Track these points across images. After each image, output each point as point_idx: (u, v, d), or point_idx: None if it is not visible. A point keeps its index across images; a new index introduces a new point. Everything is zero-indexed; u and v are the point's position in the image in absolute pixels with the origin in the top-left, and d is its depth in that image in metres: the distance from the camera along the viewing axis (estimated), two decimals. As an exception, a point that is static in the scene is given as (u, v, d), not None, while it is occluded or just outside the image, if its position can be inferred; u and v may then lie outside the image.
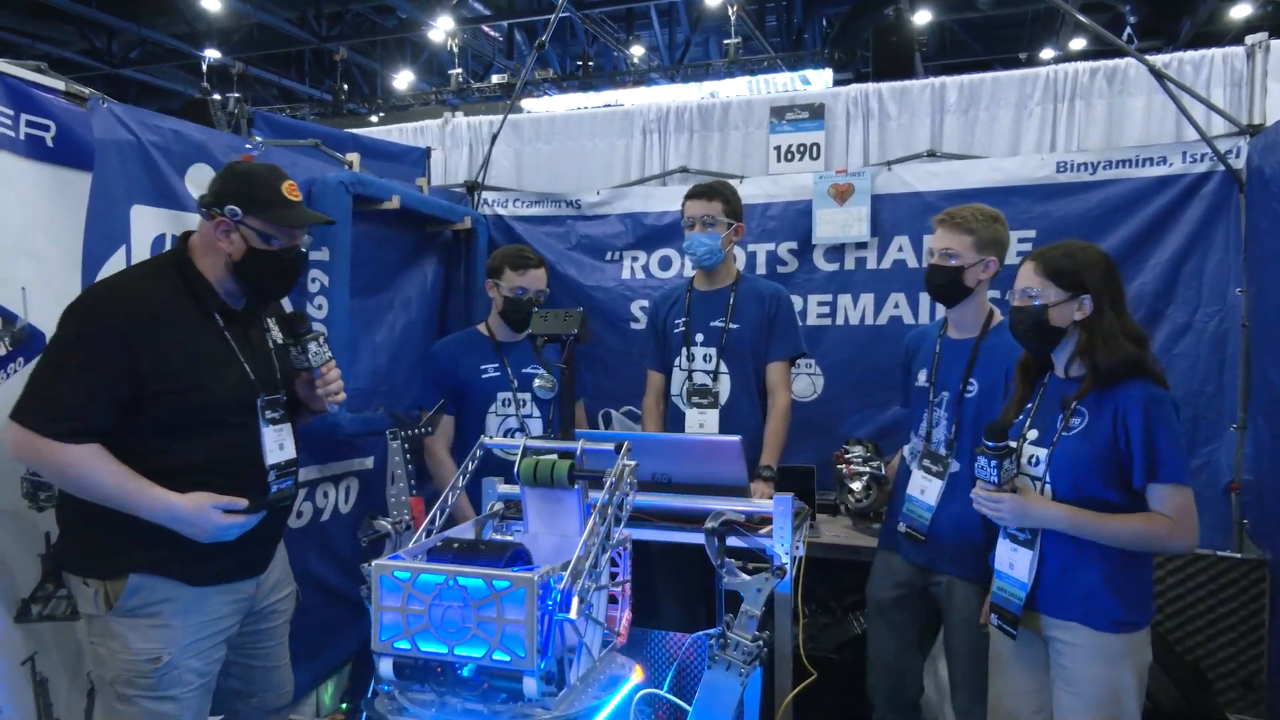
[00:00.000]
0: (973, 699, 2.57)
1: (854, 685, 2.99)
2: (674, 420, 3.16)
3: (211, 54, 14.28)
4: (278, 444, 2.14)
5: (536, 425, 3.12)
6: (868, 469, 2.65)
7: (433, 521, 1.72)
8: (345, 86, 15.24)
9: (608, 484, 1.66)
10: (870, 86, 4.06)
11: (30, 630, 2.21)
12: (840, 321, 3.82)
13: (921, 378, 2.75)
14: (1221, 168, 3.27)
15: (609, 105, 9.48)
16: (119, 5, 12.50)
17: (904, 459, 2.79)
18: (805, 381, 3.86)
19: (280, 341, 2.23)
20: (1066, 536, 2.11)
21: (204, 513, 1.95)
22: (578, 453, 1.79)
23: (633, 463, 1.72)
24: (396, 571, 1.48)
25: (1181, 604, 3.24)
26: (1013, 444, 2.14)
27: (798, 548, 2.30)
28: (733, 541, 2.00)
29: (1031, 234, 3.50)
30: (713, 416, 3.06)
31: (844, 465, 2.66)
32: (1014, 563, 2.17)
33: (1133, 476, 2.05)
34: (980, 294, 2.65)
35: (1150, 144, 3.50)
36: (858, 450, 2.71)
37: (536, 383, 3.15)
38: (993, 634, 2.31)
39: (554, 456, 1.80)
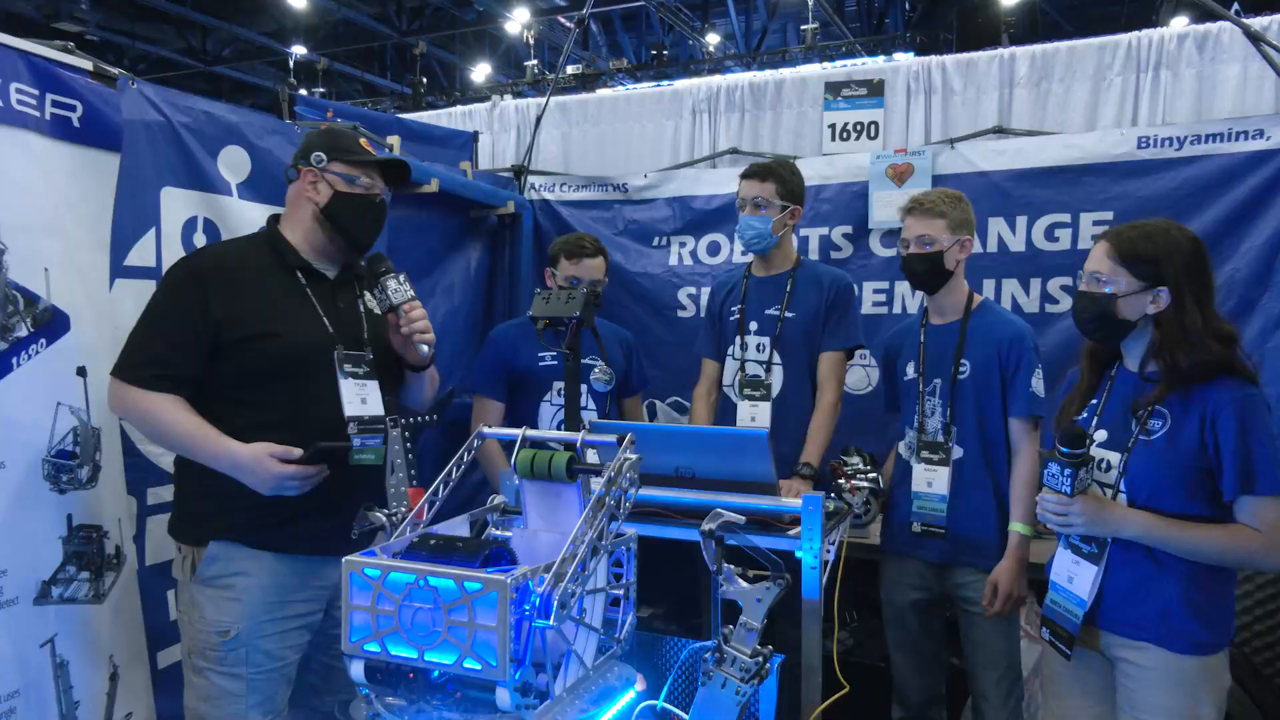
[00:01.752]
0: (1009, 715, 2.43)
1: (860, 688, 2.84)
2: (725, 412, 3.02)
3: (298, 50, 14.68)
4: (359, 397, 2.11)
5: (591, 418, 3.01)
6: (866, 483, 2.55)
7: (422, 514, 1.63)
8: (424, 80, 15.47)
9: (605, 478, 1.53)
10: (933, 59, 3.81)
11: (51, 612, 2.22)
12: (897, 310, 3.61)
13: (909, 370, 2.66)
14: (1328, 141, 2.95)
15: (658, 84, 9.28)
16: (213, 4, 12.96)
17: (899, 457, 2.67)
18: (859, 373, 3.67)
19: (377, 311, 2.24)
20: (1141, 548, 1.89)
21: (260, 460, 1.95)
22: (578, 444, 1.67)
23: (635, 456, 1.59)
24: (366, 569, 1.39)
25: (1271, 622, 2.94)
26: (1091, 452, 1.92)
27: (829, 551, 2.15)
28: (757, 542, 1.86)
29: (1108, 216, 3.23)
30: (764, 409, 2.91)
31: (844, 479, 2.55)
32: (1074, 576, 1.95)
33: (1223, 487, 1.81)
34: (959, 275, 2.61)
35: (1245, 116, 3.19)
36: (855, 461, 2.61)
37: (594, 374, 3.04)
38: (1047, 650, 2.11)
39: (556, 448, 1.68)
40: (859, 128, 3.82)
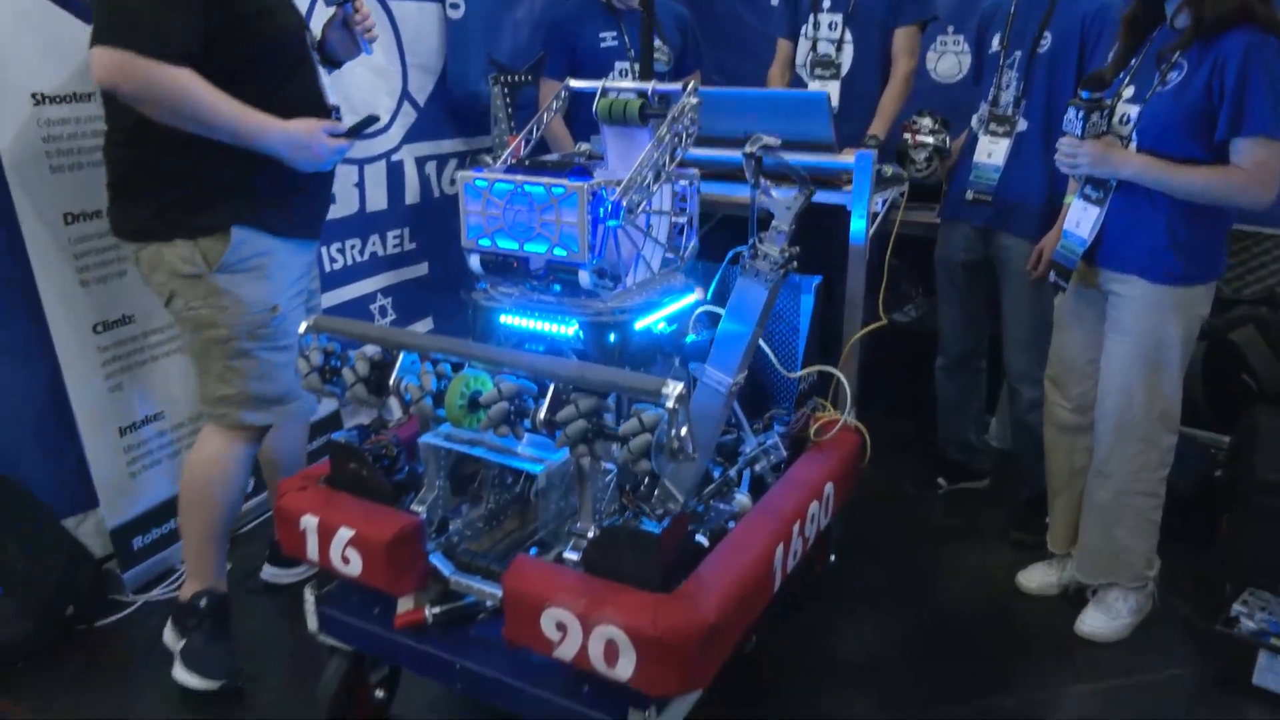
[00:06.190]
0: (1031, 360, 2.71)
1: (915, 349, 3.23)
2: None
3: None
4: (328, 86, 2.14)
5: None
6: (932, 140, 2.68)
7: (519, 150, 1.96)
8: None
9: (670, 116, 1.81)
10: None
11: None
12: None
13: (995, 42, 2.71)
14: None
15: None
16: None
17: (971, 131, 2.77)
18: (950, 60, 3.69)
19: None
20: (1139, 193, 2.08)
21: (315, 134, 1.97)
22: (649, 92, 1.93)
23: (696, 100, 1.84)
24: (476, 180, 1.76)
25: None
26: (1105, 99, 2.07)
27: (878, 203, 2.41)
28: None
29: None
30: (834, 88, 3.05)
31: (910, 135, 2.69)
32: (1080, 220, 2.19)
33: (1218, 128, 1.96)
34: None
35: None
36: (926, 121, 2.73)
37: (653, 56, 3.20)
38: (1058, 296, 2.38)
39: (630, 96, 1.95)
40: None
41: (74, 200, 2.32)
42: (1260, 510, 2.34)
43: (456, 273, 3.74)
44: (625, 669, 1.47)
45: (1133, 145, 2.08)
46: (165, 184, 1.96)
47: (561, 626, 1.51)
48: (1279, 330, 2.97)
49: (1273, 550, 2.34)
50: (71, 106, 2.29)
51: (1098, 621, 2.40)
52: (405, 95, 3.37)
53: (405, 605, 1.82)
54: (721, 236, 2.10)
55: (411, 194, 3.50)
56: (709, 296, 2.00)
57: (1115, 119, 2.11)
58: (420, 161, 3.51)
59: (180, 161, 1.94)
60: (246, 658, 2.31)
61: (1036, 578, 2.61)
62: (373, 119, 2.14)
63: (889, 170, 2.58)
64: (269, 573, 2.60)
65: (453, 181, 3.67)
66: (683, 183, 2.00)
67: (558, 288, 1.78)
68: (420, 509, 1.82)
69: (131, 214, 2.02)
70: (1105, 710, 2.15)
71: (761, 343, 2.13)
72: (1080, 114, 2.04)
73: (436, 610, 1.80)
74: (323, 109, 2.10)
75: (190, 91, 1.82)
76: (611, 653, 1.47)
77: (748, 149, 1.69)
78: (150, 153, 1.94)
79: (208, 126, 1.87)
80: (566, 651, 1.51)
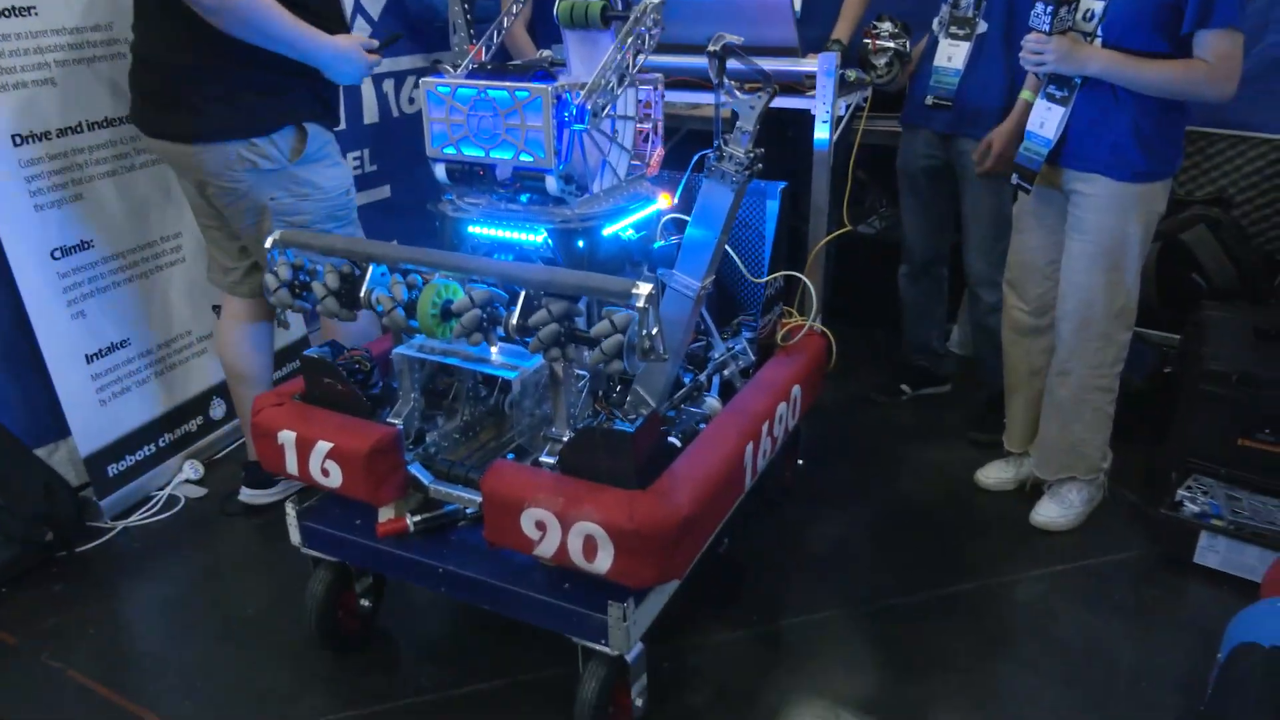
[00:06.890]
0: (991, 264, 2.76)
1: (881, 261, 3.29)
2: None
3: None
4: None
5: None
6: (892, 45, 2.65)
7: (481, 57, 1.93)
8: None
9: (631, 17, 1.79)
10: None
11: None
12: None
13: None
14: None
15: None
16: None
17: (932, 34, 2.76)
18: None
19: None
20: (1104, 90, 2.10)
21: (356, 48, 2.15)
22: (610, -6, 1.90)
23: (658, 0, 1.83)
24: (439, 86, 1.74)
25: (1274, 195, 3.15)
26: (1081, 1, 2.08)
27: (841, 107, 2.41)
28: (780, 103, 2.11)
29: None
30: None
31: (870, 40, 2.66)
32: (1045, 121, 2.20)
33: (1184, 21, 1.97)
34: None
35: None
36: (886, 26, 2.70)
37: None
38: (1019, 199, 2.42)
39: None
40: None
41: (21, 120, 2.25)
42: (1204, 398, 2.44)
43: (421, 195, 3.70)
44: (604, 562, 1.52)
45: (1097, 41, 2.09)
46: (229, 87, 2.08)
47: (541, 525, 1.56)
48: (1229, 230, 3.05)
49: (1215, 436, 2.45)
50: (11, 21, 2.20)
51: (1052, 512, 2.51)
52: (357, 8, 3.26)
53: (386, 515, 1.87)
54: (689, 150, 2.10)
55: (370, 113, 3.42)
56: (675, 202, 2.01)
57: (1079, 15, 2.11)
58: (377, 79, 3.43)
59: (237, 66, 2.06)
60: (230, 579, 2.35)
61: (994, 474, 2.72)
62: (398, 36, 2.38)
63: (852, 75, 2.58)
64: (246, 494, 2.63)
65: (412, 100, 3.59)
66: (647, 88, 2.00)
67: (525, 198, 1.78)
68: (396, 421, 1.84)
69: (196, 117, 2.11)
70: (1057, 591, 2.27)
71: (729, 249, 2.16)
72: (1049, 9, 2.03)
73: (418, 518, 1.85)
74: (345, 28, 2.23)
75: (263, 4, 1.98)
76: (590, 548, 1.52)
77: (711, 47, 1.68)
78: (202, 58, 2.05)
79: (272, 37, 2.02)
80: (546, 549, 1.57)
